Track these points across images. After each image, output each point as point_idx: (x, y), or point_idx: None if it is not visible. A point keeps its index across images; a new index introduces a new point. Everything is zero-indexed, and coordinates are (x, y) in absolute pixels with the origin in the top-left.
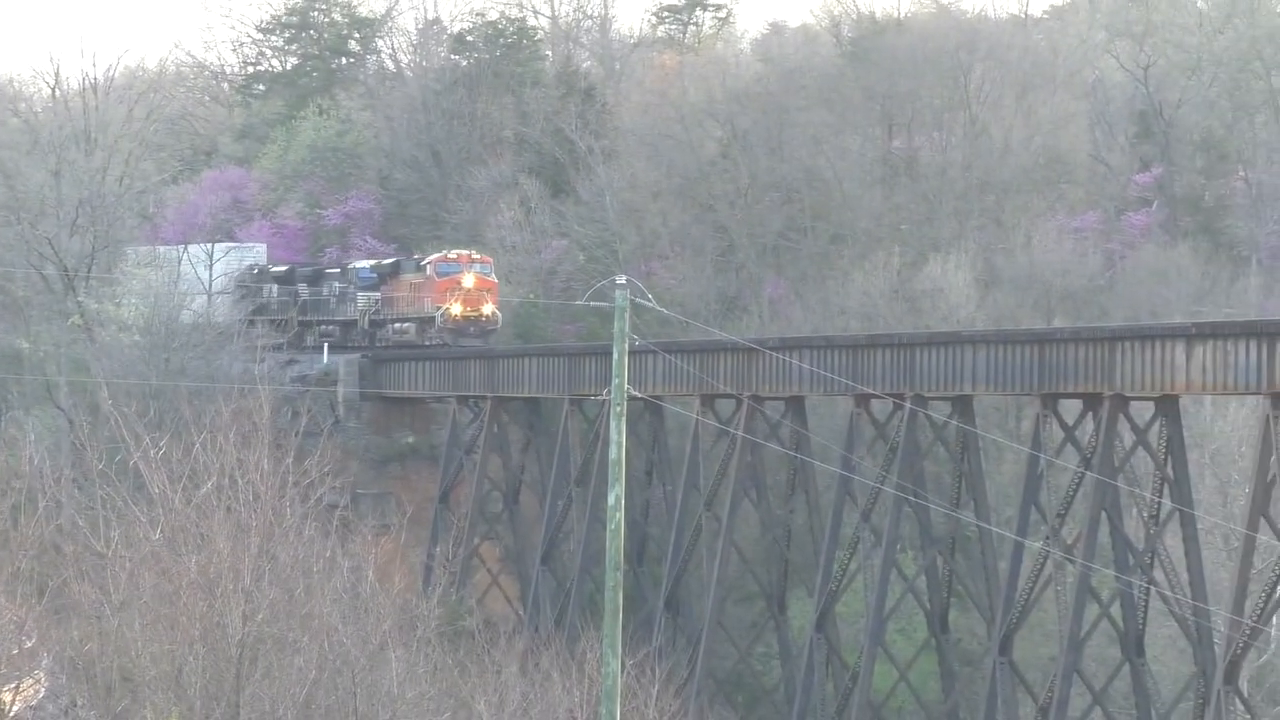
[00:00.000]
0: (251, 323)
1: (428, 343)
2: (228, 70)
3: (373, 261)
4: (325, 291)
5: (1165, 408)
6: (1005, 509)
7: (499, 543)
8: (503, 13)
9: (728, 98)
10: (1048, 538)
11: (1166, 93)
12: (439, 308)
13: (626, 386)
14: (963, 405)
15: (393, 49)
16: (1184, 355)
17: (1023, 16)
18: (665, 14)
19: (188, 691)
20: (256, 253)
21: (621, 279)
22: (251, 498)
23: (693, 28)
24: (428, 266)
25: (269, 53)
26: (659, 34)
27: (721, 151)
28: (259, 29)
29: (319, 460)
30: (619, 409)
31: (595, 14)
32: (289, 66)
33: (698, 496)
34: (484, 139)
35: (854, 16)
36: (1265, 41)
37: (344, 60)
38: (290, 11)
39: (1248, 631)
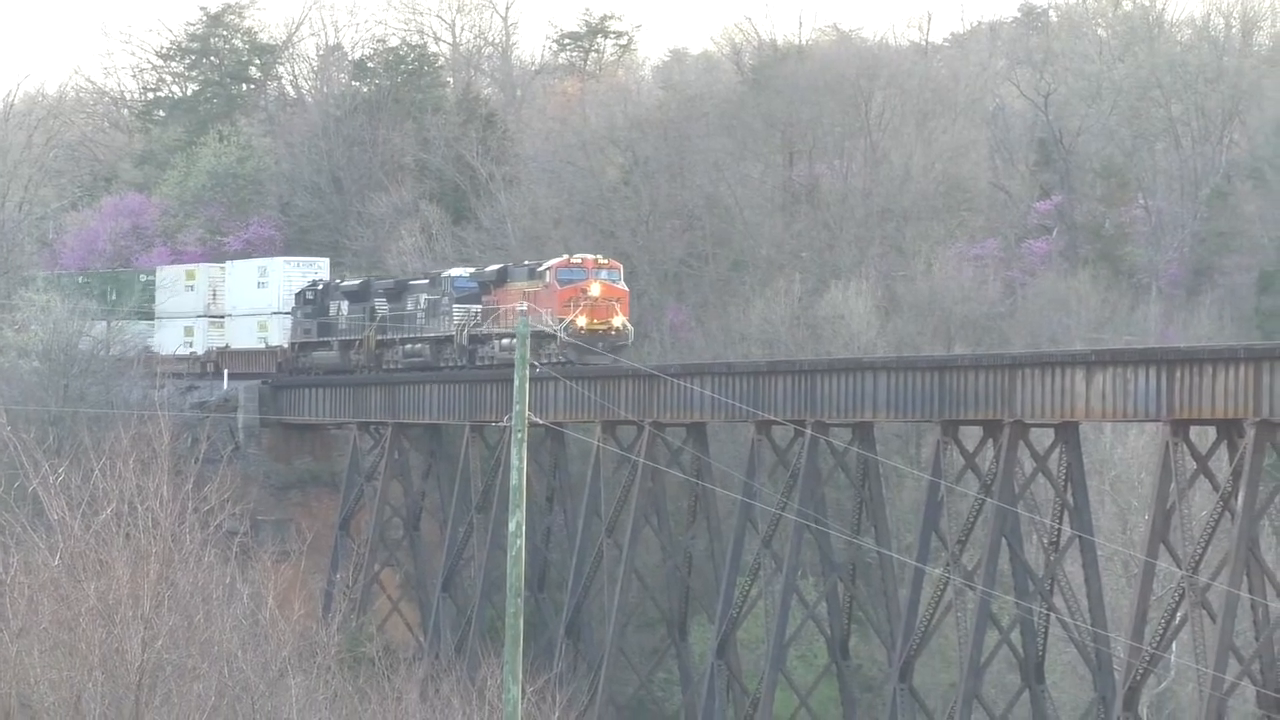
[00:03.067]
0: (317, 346)
1: (546, 360)
2: (128, 96)
3: (472, 269)
4: (410, 306)
5: (1065, 434)
6: (905, 535)
7: (399, 569)
8: (404, 39)
9: (629, 124)
10: (948, 564)
11: (1067, 120)
12: (561, 320)
13: (527, 413)
14: (863, 432)
15: (294, 75)
16: (1084, 382)
17: (923, 44)
18: (566, 41)
19: (87, 718)
20: (318, 268)
21: (522, 306)
22: (151, 524)
23: (594, 55)
24: (546, 273)
25: (169, 79)
26: (560, 61)
27: (622, 178)
28: (159, 55)
29: (219, 486)
30: (520, 435)
31: (496, 41)
32: (189, 92)
33: (599, 523)
34: (385, 165)
35: (755, 44)
36: (1165, 70)
37: (245, 86)
38: (191, 38)
39: (1147, 658)
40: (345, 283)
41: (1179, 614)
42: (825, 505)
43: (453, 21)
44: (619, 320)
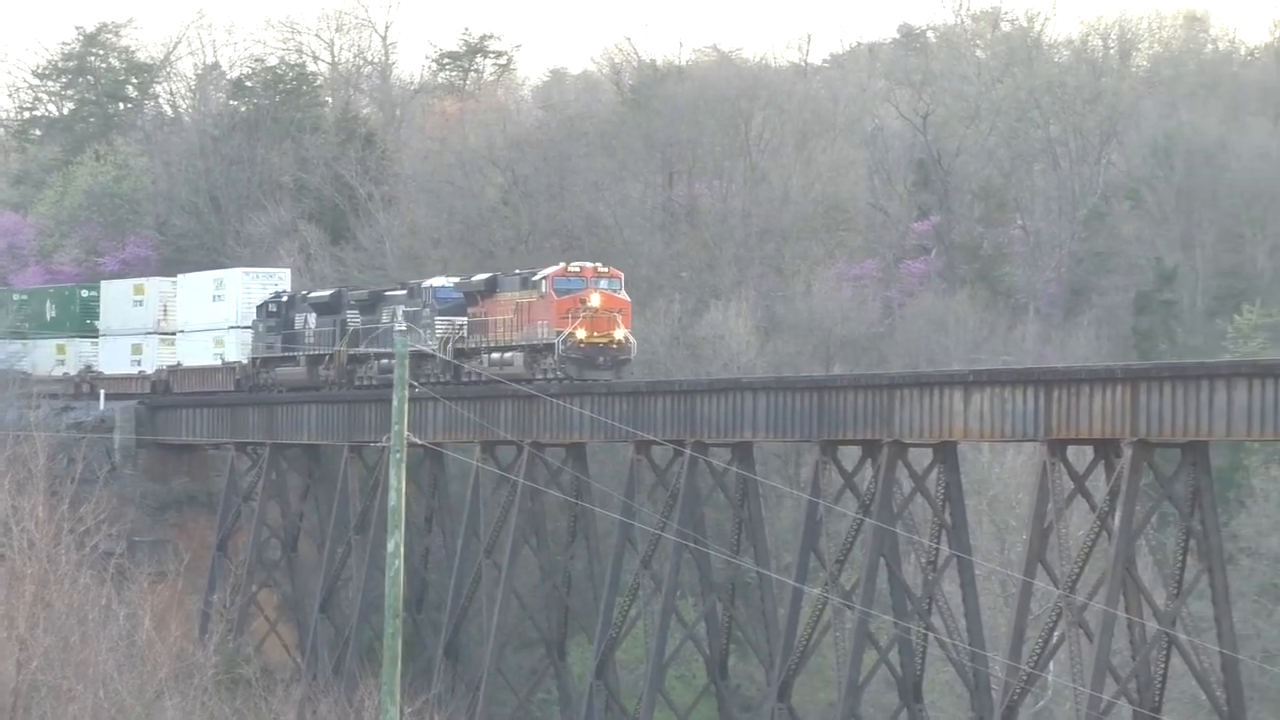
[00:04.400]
0: (282, 361)
1: (542, 376)
2: (3, 115)
3: (456, 279)
4: (387, 318)
5: (943, 454)
6: (784, 555)
7: (277, 590)
8: (282, 58)
9: (508, 144)
10: (826, 584)
11: (945, 141)
12: (560, 332)
13: (406, 433)
14: (742, 452)
15: (171, 94)
16: (962, 402)
17: (803, 65)
18: (446, 60)
19: None
20: (279, 279)
21: (402, 326)
22: (26, 545)
23: (473, 74)
24: (542, 282)
25: (45, 98)
26: (440, 80)
27: (502, 198)
28: (35, 74)
29: (95, 507)
30: (399, 456)
31: (375, 60)
32: (66, 111)
33: (478, 543)
34: (263, 185)
35: (635, 64)
36: (1043, 91)
37: (122, 105)
38: (67, 57)
39: (1024, 677)
40: (314, 294)
41: (1056, 633)
42: (704, 525)
43: (331, 41)
44: (621, 332)
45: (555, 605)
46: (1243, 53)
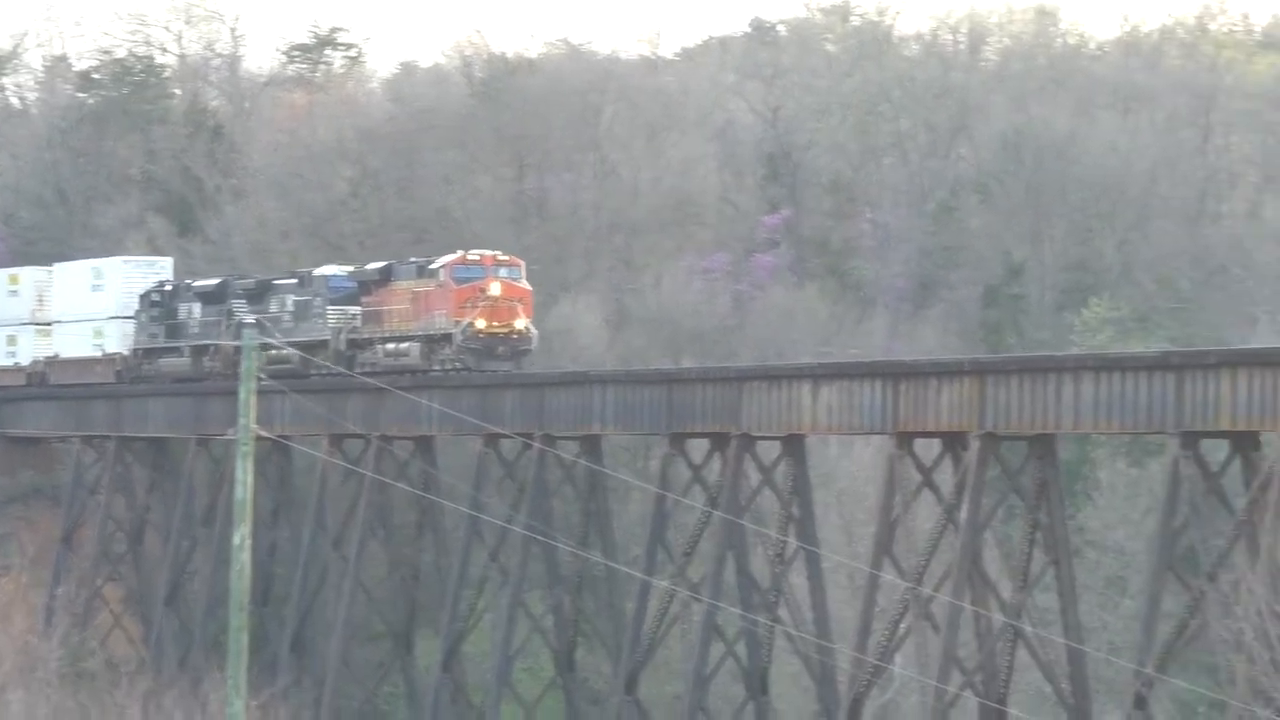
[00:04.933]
0: (165, 352)
1: (440, 367)
2: None
3: (350, 267)
4: (276, 308)
5: (791, 447)
6: (633, 548)
7: (123, 584)
8: (130, 50)
9: (358, 137)
10: (674, 576)
11: (795, 135)
12: (458, 322)
13: (253, 426)
14: (591, 445)
15: (18, 87)
16: (810, 396)
17: (653, 58)
18: (295, 53)
19: None
20: (161, 268)
21: (250, 319)
22: None
23: (323, 67)
24: (440, 270)
25: None
26: (289, 73)
27: (352, 191)
28: None
29: None
30: (245, 449)
31: (225, 52)
32: None
33: (325, 537)
34: (111, 177)
35: (485, 57)
36: (893, 85)
37: None
38: None
39: (871, 669)
40: (199, 283)
41: (903, 625)
42: (552, 518)
43: (180, 33)
44: (522, 322)
45: (402, 598)
46: (1092, 47)
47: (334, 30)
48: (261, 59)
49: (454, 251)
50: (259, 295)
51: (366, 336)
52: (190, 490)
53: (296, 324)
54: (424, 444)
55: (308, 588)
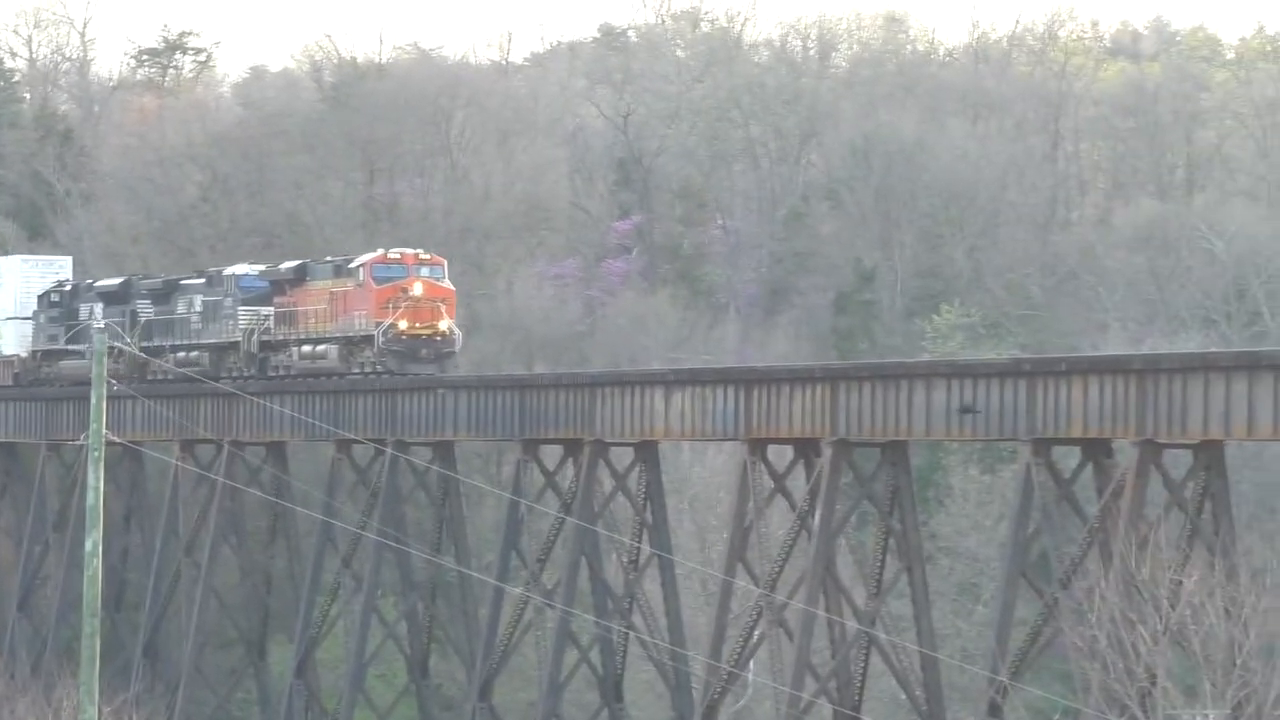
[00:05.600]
0: (65, 355)
1: (359, 370)
2: None
3: (261, 266)
4: (183, 308)
5: (645, 453)
6: (486, 554)
7: None
8: None
9: (208, 141)
10: (528, 583)
11: (646, 141)
12: (379, 323)
13: (105, 431)
14: (444, 451)
15: None
16: (663, 402)
17: (504, 63)
18: (145, 57)
19: None
20: (60, 267)
21: (100, 323)
22: None
23: (173, 71)
24: (360, 270)
25: None
26: (139, 77)
27: (202, 195)
28: None
29: None
30: (97, 454)
31: (74, 56)
32: None
33: (177, 542)
34: None
35: (335, 62)
36: (743, 91)
37: None
38: None
39: (725, 676)
40: (100, 283)
41: (757, 632)
42: (406, 524)
43: (29, 37)
44: (445, 323)
45: (255, 604)
46: (941, 54)
47: (183, 34)
48: (111, 63)
49: (373, 250)
50: (165, 295)
51: (280, 338)
52: (42, 495)
53: (205, 325)
54: (276, 449)
55: (160, 593)
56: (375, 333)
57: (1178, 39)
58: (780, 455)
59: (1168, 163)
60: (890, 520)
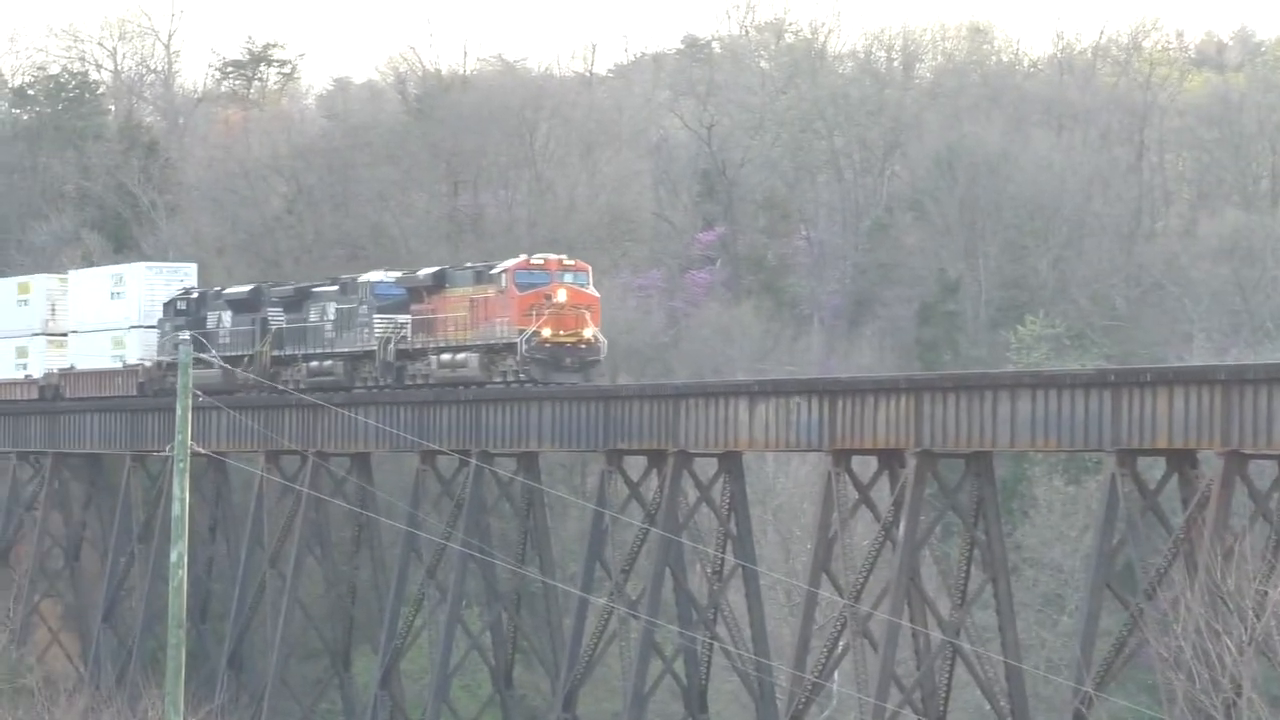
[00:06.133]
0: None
1: (501, 379)
2: None
3: (397, 273)
4: (316, 316)
5: (728, 464)
6: (570, 565)
7: (60, 600)
8: (65, 66)
9: (293, 153)
10: (612, 593)
11: (730, 152)
12: (522, 331)
13: (190, 442)
14: (528, 461)
15: None
16: (747, 412)
17: (588, 75)
18: (230, 69)
19: None
20: (185, 274)
21: (185, 335)
22: None
23: (257, 83)
24: (501, 276)
25: None
26: (223, 89)
27: (286, 207)
28: None
29: None
30: (182, 465)
31: (159, 68)
32: None
33: (262, 553)
34: (45, 193)
35: (419, 73)
36: (827, 102)
37: None
38: None
39: (809, 687)
40: (229, 290)
41: (841, 643)
42: (490, 535)
43: (114, 49)
44: (590, 331)
45: (340, 615)
46: (1026, 65)
47: (268, 46)
48: (196, 75)
49: (516, 256)
50: (297, 303)
51: (418, 346)
52: (127, 506)
53: (339, 333)
54: (361, 460)
55: (245, 604)
56: (518, 341)
57: (1262, 49)
58: (864, 466)
59: (1252, 173)
60: (975, 531)
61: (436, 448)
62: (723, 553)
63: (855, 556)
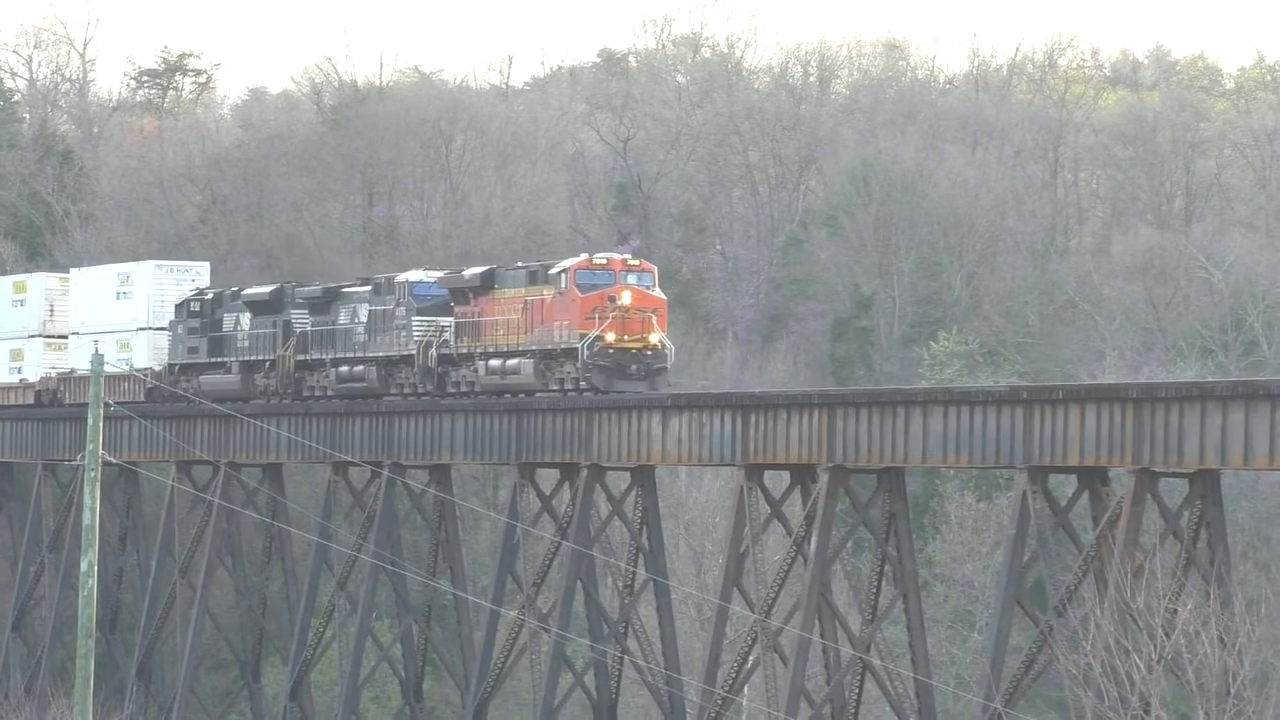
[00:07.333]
0: (208, 368)
1: (558, 387)
2: None
3: (439, 273)
4: (346, 318)
5: (641, 478)
6: (482, 577)
7: None
8: None
9: (207, 163)
10: (523, 606)
11: (645, 166)
12: (584, 335)
13: (101, 452)
14: (440, 473)
15: None
16: (660, 426)
17: (504, 87)
18: (145, 78)
19: None
20: (197, 273)
21: (100, 345)
22: None
23: (173, 92)
24: (561, 276)
25: None
26: (139, 98)
27: (201, 216)
28: None
29: None
30: (93, 474)
31: (74, 77)
32: None
33: (172, 563)
34: None
35: (335, 84)
36: (742, 117)
37: None
38: None
39: (720, 701)
40: (248, 290)
41: (751, 657)
42: (401, 547)
43: (30, 57)
44: (656, 336)
45: (250, 626)
46: (941, 81)
47: (184, 56)
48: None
49: (576, 255)
50: (324, 304)
51: (464, 351)
52: (37, 515)
53: (372, 336)
54: (273, 471)
55: (155, 614)
56: (579, 346)
57: (1177, 68)
58: (777, 481)
59: (1166, 192)
60: (886, 546)
61: (348, 459)
62: (634, 566)
63: (767, 571)
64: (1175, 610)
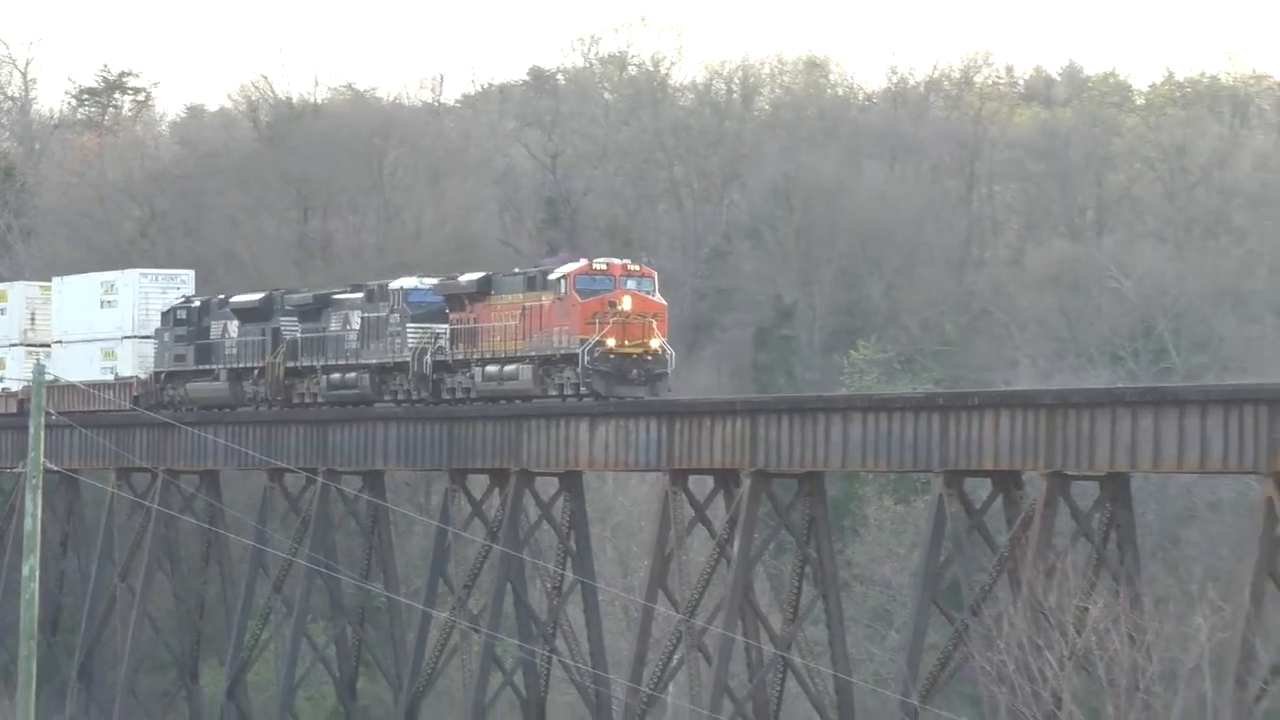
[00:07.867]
0: (195, 375)
1: (557, 393)
2: None
3: (433, 279)
4: (337, 326)
5: (569, 483)
6: (414, 580)
7: None
8: None
9: (146, 179)
10: (454, 608)
11: (574, 180)
12: (584, 341)
13: (43, 460)
14: (374, 480)
15: None
16: (588, 433)
17: (436, 105)
18: (85, 96)
19: None
20: (183, 281)
21: (44, 356)
22: None
23: (112, 110)
24: (561, 282)
25: None
26: (79, 115)
27: (140, 231)
28: None
29: None
30: (35, 482)
31: (16, 95)
32: None
33: (113, 568)
34: None
35: (271, 101)
36: (668, 133)
37: None
38: None
39: (645, 699)
40: (236, 298)
41: (676, 656)
42: (336, 551)
43: None
44: (657, 341)
45: (188, 629)
46: (861, 98)
47: (123, 74)
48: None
49: (576, 260)
50: (315, 312)
51: (460, 358)
52: None
53: (365, 344)
54: (210, 478)
55: (95, 618)
56: (580, 351)
57: (1089, 85)
58: (701, 485)
59: (1078, 205)
60: (807, 549)
61: (284, 465)
62: (562, 569)
63: (691, 573)
64: (1086, 609)
